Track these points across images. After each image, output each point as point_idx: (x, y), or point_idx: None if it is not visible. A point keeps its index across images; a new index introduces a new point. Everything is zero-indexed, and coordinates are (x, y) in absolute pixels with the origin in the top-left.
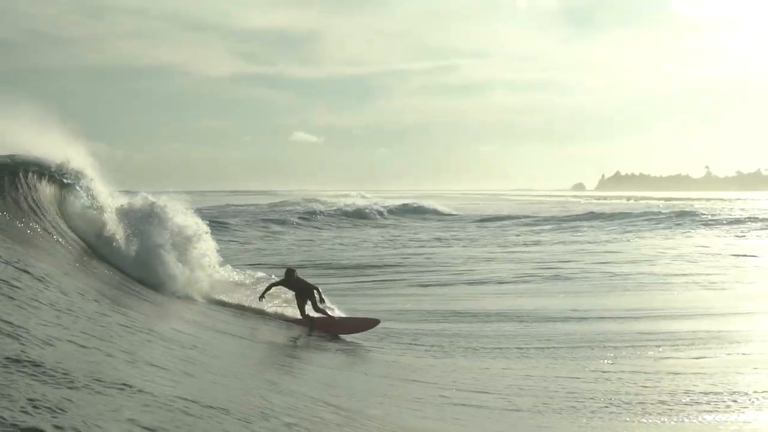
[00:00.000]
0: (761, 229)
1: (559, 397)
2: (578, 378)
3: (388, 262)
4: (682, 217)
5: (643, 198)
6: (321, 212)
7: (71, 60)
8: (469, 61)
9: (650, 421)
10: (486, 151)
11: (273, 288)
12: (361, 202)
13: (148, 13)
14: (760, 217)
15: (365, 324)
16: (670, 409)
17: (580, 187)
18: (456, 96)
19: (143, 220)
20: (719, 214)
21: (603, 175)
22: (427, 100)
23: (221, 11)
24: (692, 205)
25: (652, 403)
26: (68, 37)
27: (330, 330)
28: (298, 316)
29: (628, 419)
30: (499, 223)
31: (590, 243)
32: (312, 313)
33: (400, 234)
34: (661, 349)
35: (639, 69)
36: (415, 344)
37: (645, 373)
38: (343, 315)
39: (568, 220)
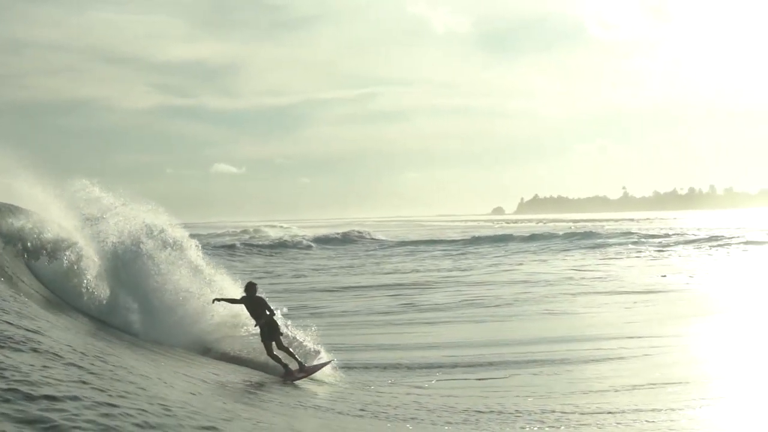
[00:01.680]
0: (642, 249)
1: (322, 398)
2: (355, 393)
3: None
4: (574, 240)
5: (555, 220)
6: (217, 245)
7: None
8: (390, 88)
9: (392, 424)
10: (409, 178)
11: (232, 303)
12: (274, 233)
13: (67, 48)
14: (644, 239)
15: (322, 366)
16: (413, 418)
17: (499, 210)
18: (378, 124)
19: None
20: (611, 236)
21: (522, 199)
22: (349, 129)
23: (141, 45)
24: (603, 226)
25: (400, 414)
26: None
27: (301, 377)
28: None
29: (372, 420)
30: (390, 251)
31: (461, 271)
32: (276, 351)
33: (282, 263)
34: (453, 370)
35: (557, 93)
36: None
37: (418, 393)
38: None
39: (461, 245)
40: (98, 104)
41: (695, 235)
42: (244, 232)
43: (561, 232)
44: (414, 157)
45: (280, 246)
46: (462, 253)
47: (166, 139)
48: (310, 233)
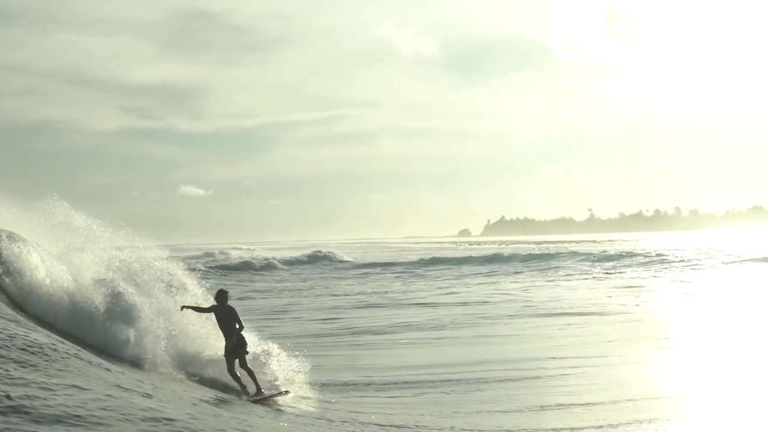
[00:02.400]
0: (594, 271)
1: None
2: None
3: None
4: (530, 262)
5: (519, 242)
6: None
7: None
8: (357, 110)
9: (289, 424)
10: (376, 200)
11: (200, 312)
12: (240, 255)
13: (32, 69)
14: (599, 261)
15: (279, 394)
16: (312, 425)
17: (465, 233)
18: (345, 146)
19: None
20: (568, 257)
21: (488, 221)
22: (316, 151)
23: (107, 66)
24: (566, 248)
25: (300, 420)
26: None
27: (255, 401)
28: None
29: (270, 421)
30: (343, 273)
31: (408, 293)
32: (237, 369)
33: (233, 285)
34: (366, 388)
35: (524, 115)
36: None
37: (324, 407)
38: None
39: (416, 267)
40: (63, 126)
41: (648, 257)
42: (208, 254)
43: (523, 254)
44: (381, 179)
45: (239, 268)
46: (415, 275)
47: (133, 161)
48: (277, 255)
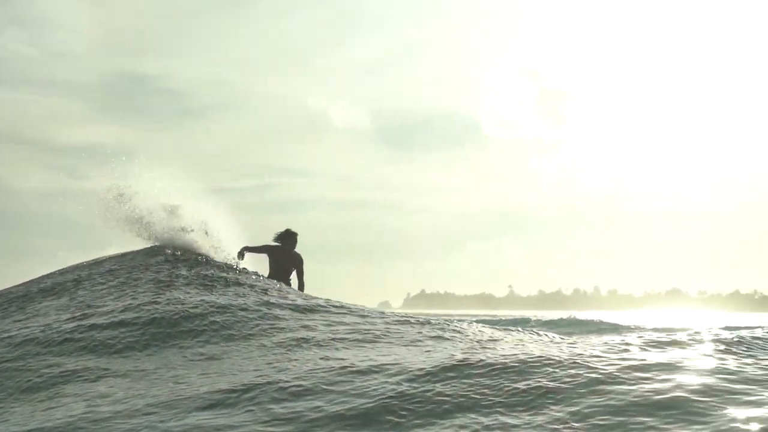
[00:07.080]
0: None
1: None
2: None
3: None
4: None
5: (430, 315)
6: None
7: None
8: (288, 179)
9: None
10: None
11: (257, 252)
12: None
13: None
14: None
15: None
16: None
17: (386, 305)
18: (274, 214)
19: None
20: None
21: (408, 294)
22: (246, 219)
23: (37, 126)
24: (457, 319)
25: None
26: None
27: None
28: None
29: None
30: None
31: None
32: None
33: None
34: None
35: (454, 190)
36: None
37: None
38: None
39: None
40: None
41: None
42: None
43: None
44: (309, 249)
45: None
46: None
47: (60, 222)
48: None
